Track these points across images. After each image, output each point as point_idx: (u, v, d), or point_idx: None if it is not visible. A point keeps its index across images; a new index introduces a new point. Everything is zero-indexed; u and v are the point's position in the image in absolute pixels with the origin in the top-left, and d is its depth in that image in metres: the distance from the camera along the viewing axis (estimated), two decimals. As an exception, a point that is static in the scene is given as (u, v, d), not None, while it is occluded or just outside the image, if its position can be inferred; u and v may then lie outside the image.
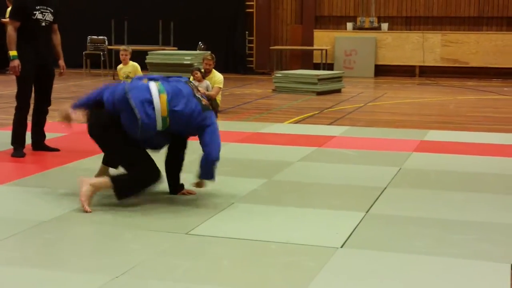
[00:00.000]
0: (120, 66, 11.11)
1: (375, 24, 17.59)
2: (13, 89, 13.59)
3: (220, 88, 10.83)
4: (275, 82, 13.87)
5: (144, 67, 12.98)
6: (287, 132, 8.87)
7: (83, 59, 17.43)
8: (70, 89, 13.90)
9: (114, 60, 16.51)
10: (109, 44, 17.47)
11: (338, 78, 14.06)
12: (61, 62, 7.36)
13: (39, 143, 7.31)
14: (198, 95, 5.21)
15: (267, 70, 17.83)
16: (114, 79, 12.61)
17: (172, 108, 5.04)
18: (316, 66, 17.13)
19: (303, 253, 4.19)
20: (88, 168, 6.55)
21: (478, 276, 3.90)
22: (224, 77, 11.03)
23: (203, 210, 5.00)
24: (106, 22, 17.68)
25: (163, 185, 5.44)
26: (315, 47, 17.58)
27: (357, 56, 17.31)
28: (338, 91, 13.75)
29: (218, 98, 10.87)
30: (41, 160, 6.94)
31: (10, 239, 4.45)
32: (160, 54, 14.75)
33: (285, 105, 11.81)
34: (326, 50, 17.14)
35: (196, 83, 10.74)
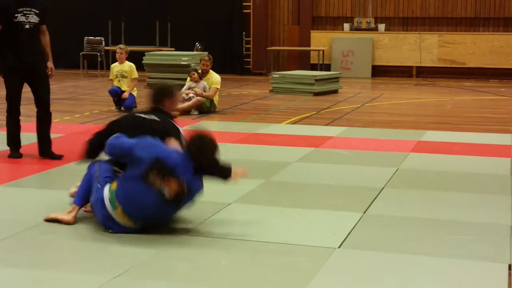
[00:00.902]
0: (115, 64, 11.08)
1: (372, 25, 17.60)
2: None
3: (218, 88, 10.84)
4: (272, 82, 13.88)
5: (141, 68, 13.00)
6: (284, 132, 8.88)
7: (80, 59, 17.42)
8: (67, 90, 13.88)
9: (111, 61, 16.47)
10: (106, 44, 17.46)
11: (335, 79, 14.06)
12: (49, 64, 7.03)
13: (44, 150, 7.01)
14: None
15: (264, 70, 17.83)
16: (109, 78, 12.59)
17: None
18: (313, 67, 17.13)
19: (301, 253, 4.19)
20: (83, 169, 6.54)
21: (475, 277, 3.91)
22: (221, 78, 11.04)
23: (201, 211, 5.01)
24: (103, 22, 17.67)
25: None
26: (312, 47, 17.59)
27: (354, 57, 17.31)
28: (335, 91, 13.76)
29: (215, 99, 10.88)
30: (38, 161, 6.93)
31: (7, 240, 4.45)
32: (157, 55, 14.75)
33: (283, 106, 11.82)
34: (323, 50, 17.15)
35: (193, 84, 10.75)
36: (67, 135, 8.38)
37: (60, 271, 3.89)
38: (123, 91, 10.82)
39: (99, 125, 9.26)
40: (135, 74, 10.95)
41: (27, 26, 6.73)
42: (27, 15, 6.72)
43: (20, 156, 6.98)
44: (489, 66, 16.80)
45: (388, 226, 4.85)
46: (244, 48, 18.28)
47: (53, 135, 8.27)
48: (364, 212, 5.16)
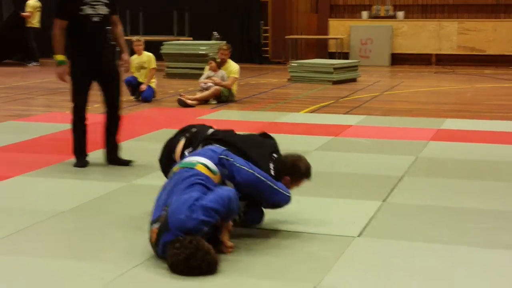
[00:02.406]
0: (134, 56, 11.14)
1: (391, 13, 17.49)
2: (31, 80, 13.76)
3: (236, 78, 10.84)
4: (290, 71, 13.85)
5: (159, 57, 13.01)
6: (303, 121, 8.86)
7: (99, 50, 17.46)
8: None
9: (129, 51, 16.53)
10: (125, 35, 17.47)
11: (353, 67, 14.01)
12: (125, 56, 6.35)
13: (110, 155, 6.35)
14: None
15: (283, 59, 17.79)
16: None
17: None
18: (332, 55, 17.08)
19: (320, 242, 4.19)
20: (103, 158, 6.59)
21: (493, 265, 3.89)
22: (239, 67, 11.03)
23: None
24: (122, 13, 17.61)
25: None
26: (330, 36, 17.52)
27: (373, 45, 17.22)
28: (353, 80, 13.71)
29: (234, 88, 10.88)
30: (57, 151, 6.97)
31: (28, 229, 4.48)
32: (175, 44, 14.77)
33: (301, 95, 11.80)
34: (342, 39, 17.08)
35: (212, 73, 10.75)
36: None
37: (81, 260, 3.92)
38: (139, 82, 10.86)
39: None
40: (154, 64, 10.98)
41: (95, 19, 5.99)
42: (95, 6, 5.98)
43: (86, 164, 6.27)
44: (510, 53, 16.65)
45: (407, 214, 4.84)
46: (262, 37, 18.25)
47: (65, 125, 8.31)
48: (384, 201, 5.15)
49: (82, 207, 4.99)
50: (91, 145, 6.66)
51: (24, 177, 5.87)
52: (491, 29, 16.72)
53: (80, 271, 3.76)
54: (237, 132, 4.75)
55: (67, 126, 8.23)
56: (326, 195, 5.26)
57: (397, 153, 6.89)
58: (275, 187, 4.16)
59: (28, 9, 16.81)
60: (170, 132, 8.41)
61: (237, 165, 4.06)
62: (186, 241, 3.61)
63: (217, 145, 4.26)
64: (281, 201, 4.25)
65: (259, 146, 4.47)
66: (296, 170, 4.43)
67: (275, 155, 4.45)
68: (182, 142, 4.60)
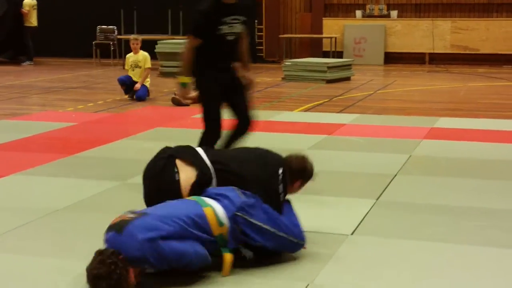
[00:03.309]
0: (130, 54, 11.15)
1: (385, 12, 17.51)
2: (25, 79, 13.75)
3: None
4: (284, 70, 13.86)
5: (153, 56, 13.00)
6: (297, 120, 8.87)
7: (93, 48, 17.45)
8: (80, 79, 13.93)
9: (123, 50, 16.52)
10: (119, 33, 17.48)
11: (347, 66, 14.03)
12: (247, 74, 5.60)
13: None
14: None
15: (277, 58, 17.79)
16: (124, 68, 12.63)
17: None
18: (326, 54, 17.08)
19: (313, 240, 4.20)
20: (97, 157, 6.59)
21: (488, 263, 3.91)
22: (233, 66, 11.02)
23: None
24: (116, 11, 17.67)
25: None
26: (324, 35, 17.53)
27: (367, 44, 17.25)
28: (347, 79, 13.73)
29: (228, 87, 10.88)
30: (51, 150, 6.97)
31: (22, 227, 4.49)
32: (170, 43, 14.76)
33: (295, 93, 11.81)
34: (336, 38, 17.09)
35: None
36: (80, 124, 8.42)
37: (75, 259, 3.92)
38: (133, 81, 10.88)
39: (110, 113, 9.31)
40: (148, 64, 10.99)
41: (229, 38, 5.36)
42: (232, 25, 5.34)
43: None
44: (503, 52, 16.69)
45: (401, 213, 4.86)
46: (256, 36, 18.24)
47: (66, 124, 8.33)
48: (377, 199, 5.17)
49: (76, 206, 4.99)
50: (80, 144, 6.68)
51: (18, 175, 5.87)
52: (484, 28, 16.77)
53: (73, 269, 3.76)
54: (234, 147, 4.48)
55: (61, 124, 8.28)
56: (319, 194, 5.27)
57: (391, 151, 6.91)
58: (294, 240, 3.88)
59: (25, 7, 16.79)
60: (164, 131, 8.42)
61: (258, 224, 3.75)
62: (106, 257, 3.41)
63: (234, 190, 3.86)
64: (293, 251, 3.96)
65: (264, 168, 4.14)
66: (306, 174, 4.32)
67: (280, 170, 4.16)
68: (190, 181, 4.00)
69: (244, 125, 5.56)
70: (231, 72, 5.51)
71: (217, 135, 5.44)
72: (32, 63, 16.89)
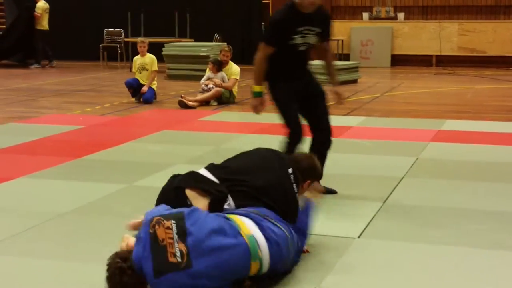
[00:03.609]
0: (137, 57, 11.19)
1: (391, 14, 17.50)
2: (32, 82, 13.79)
3: (237, 79, 10.86)
4: (291, 73, 13.85)
5: (160, 59, 13.02)
6: (303, 122, 8.84)
7: (100, 51, 17.50)
8: (87, 82, 13.96)
9: (130, 53, 16.56)
10: (126, 36, 17.52)
11: (354, 68, 14.01)
12: (336, 88, 5.38)
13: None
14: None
15: (283, 61, 17.79)
16: (131, 71, 12.67)
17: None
18: (332, 57, 17.07)
19: (320, 243, 4.20)
20: (104, 159, 6.61)
21: (495, 266, 3.90)
22: (240, 69, 11.04)
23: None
24: (123, 14, 17.71)
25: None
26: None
27: (373, 46, 17.23)
28: (354, 81, 13.71)
29: (235, 90, 10.89)
30: (58, 153, 6.99)
31: (30, 230, 4.50)
32: (177, 46, 14.79)
33: (302, 96, 11.79)
34: (342, 40, 17.09)
35: (212, 75, 10.78)
36: (87, 127, 8.44)
37: (82, 261, 3.93)
38: (140, 84, 10.91)
39: (117, 116, 9.33)
40: (155, 67, 11.01)
41: (301, 48, 5.15)
42: (306, 36, 5.12)
43: (334, 191, 5.49)
44: (510, 54, 16.65)
45: (408, 215, 4.85)
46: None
47: (73, 127, 8.35)
48: (384, 202, 5.16)
49: (83, 209, 5.00)
50: (87, 147, 6.68)
51: (25, 178, 5.89)
52: (491, 30, 16.73)
53: (80, 272, 3.77)
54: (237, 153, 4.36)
55: (68, 127, 8.29)
56: (326, 196, 5.27)
57: (398, 154, 6.90)
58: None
59: (38, 11, 16.84)
60: (171, 134, 8.43)
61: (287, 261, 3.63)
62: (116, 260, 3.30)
63: (285, 238, 3.60)
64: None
65: (274, 172, 4.05)
66: (316, 173, 4.25)
67: (290, 170, 4.10)
68: (206, 209, 3.81)
69: (322, 134, 5.33)
70: (305, 80, 5.27)
71: (299, 140, 5.23)
72: (39, 66, 16.94)
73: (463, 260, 3.97)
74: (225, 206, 3.92)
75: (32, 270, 3.83)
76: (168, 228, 3.32)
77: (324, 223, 4.62)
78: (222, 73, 10.77)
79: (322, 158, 5.21)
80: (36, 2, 16.96)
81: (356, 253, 4.08)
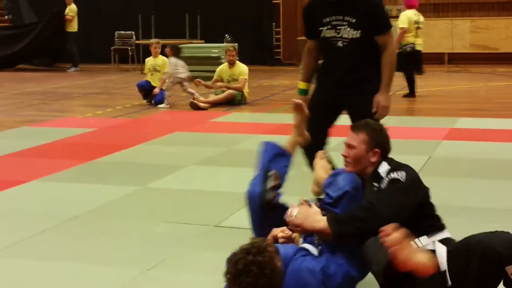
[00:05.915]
0: (149, 58, 11.24)
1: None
2: (44, 86, 13.85)
3: (246, 79, 10.85)
4: (302, 73, 13.82)
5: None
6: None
7: (111, 54, 17.55)
8: (99, 84, 14.01)
9: (142, 55, 16.61)
10: (137, 39, 17.57)
11: (366, 67, 13.96)
12: (378, 96, 4.45)
13: None
14: None
15: (295, 61, 17.78)
16: (142, 72, 12.70)
17: None
18: (344, 56, 17.04)
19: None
20: (117, 161, 6.62)
21: (510, 264, 3.87)
22: (251, 69, 11.05)
23: (232, 202, 5.02)
24: (134, 17, 17.77)
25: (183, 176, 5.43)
26: (342, 36, 17.49)
27: (385, 45, 17.17)
28: (366, 80, 13.66)
29: (246, 90, 10.89)
30: (71, 156, 7.01)
31: (43, 233, 4.51)
32: (188, 47, 14.78)
33: (313, 96, 11.77)
34: (354, 39, 17.05)
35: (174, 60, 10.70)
36: (99, 129, 8.46)
37: (94, 264, 3.94)
38: (152, 86, 10.94)
39: (129, 118, 9.34)
40: (167, 69, 11.03)
41: (339, 44, 4.41)
42: (338, 28, 4.37)
43: None
44: (523, 51, 16.56)
45: (421, 214, 4.82)
46: (274, 39, 18.25)
47: (85, 130, 8.38)
48: (397, 201, 5.13)
49: (96, 211, 5.01)
50: (99, 149, 6.69)
51: (38, 181, 5.91)
52: (504, 27, 16.64)
53: (94, 274, 3.78)
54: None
55: (80, 130, 8.32)
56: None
57: (410, 152, 6.86)
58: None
59: (70, 13, 16.90)
60: (183, 136, 8.44)
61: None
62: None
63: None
64: None
65: None
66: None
67: None
68: None
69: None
70: (348, 90, 4.54)
71: (309, 149, 4.66)
72: (77, 69, 16.96)
73: (477, 259, 3.95)
74: None
75: (45, 272, 3.84)
76: None
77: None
78: (177, 60, 10.61)
79: None
80: (67, 5, 16.98)
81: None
